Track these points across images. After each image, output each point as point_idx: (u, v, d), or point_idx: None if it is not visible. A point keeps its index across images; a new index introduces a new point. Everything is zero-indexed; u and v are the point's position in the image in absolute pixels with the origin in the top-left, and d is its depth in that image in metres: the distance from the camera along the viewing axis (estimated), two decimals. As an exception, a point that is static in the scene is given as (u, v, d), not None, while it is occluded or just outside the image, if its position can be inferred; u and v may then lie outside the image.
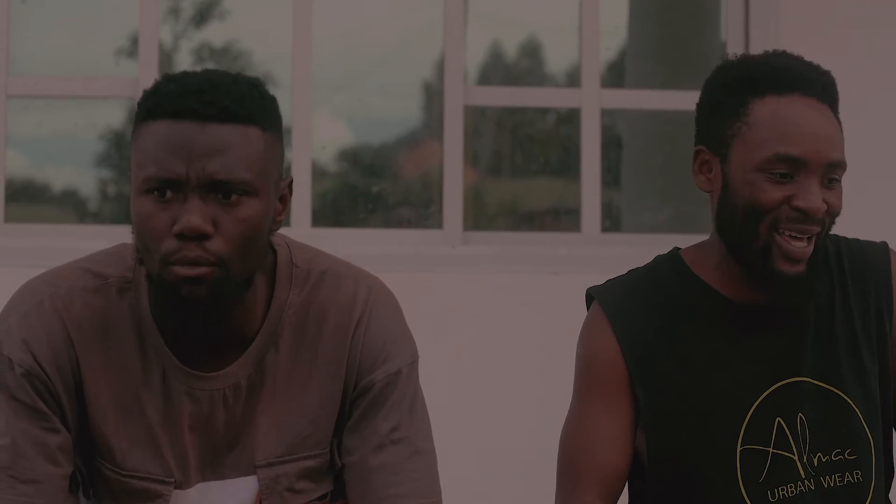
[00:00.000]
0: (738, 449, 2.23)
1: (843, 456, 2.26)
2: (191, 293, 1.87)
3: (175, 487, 2.01)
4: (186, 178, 1.86)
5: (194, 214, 1.85)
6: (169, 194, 1.88)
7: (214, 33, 5.09)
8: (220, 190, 1.87)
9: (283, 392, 2.03)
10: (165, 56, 4.88)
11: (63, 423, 2.00)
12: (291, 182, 2.02)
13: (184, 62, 5.03)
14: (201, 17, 5.06)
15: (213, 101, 1.88)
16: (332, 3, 4.76)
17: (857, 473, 2.26)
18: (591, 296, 2.32)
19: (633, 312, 2.27)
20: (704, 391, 2.23)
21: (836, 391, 2.27)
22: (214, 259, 1.87)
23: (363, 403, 2.05)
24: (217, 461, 2.03)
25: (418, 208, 4.93)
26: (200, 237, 1.86)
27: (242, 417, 2.02)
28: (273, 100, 1.98)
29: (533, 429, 4.36)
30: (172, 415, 2.00)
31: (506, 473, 4.37)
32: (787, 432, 2.24)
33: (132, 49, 4.70)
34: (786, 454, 2.24)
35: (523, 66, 5.46)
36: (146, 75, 4.44)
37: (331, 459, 2.09)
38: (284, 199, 2.00)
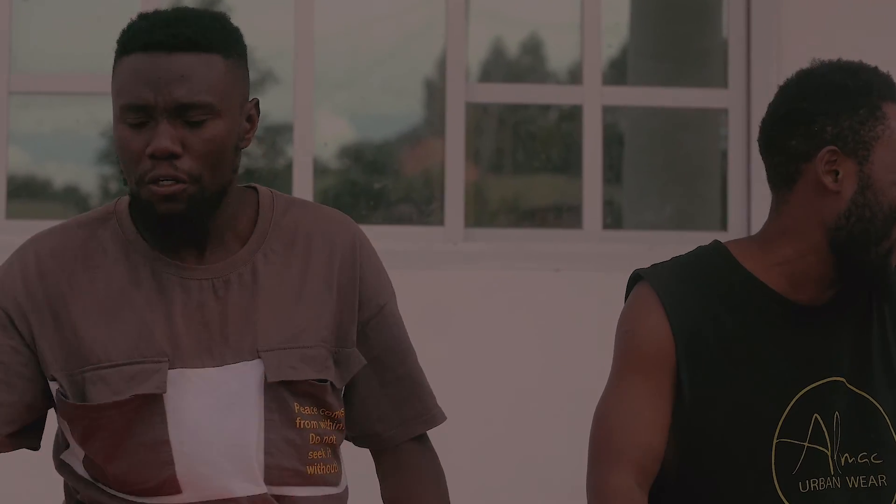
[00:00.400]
0: (775, 441, 2.24)
1: (869, 459, 2.28)
2: (168, 209, 2.08)
3: (169, 367, 2.12)
4: (155, 104, 2.07)
5: (163, 137, 2.07)
6: (142, 119, 2.09)
7: (216, 30, 5.09)
8: (186, 113, 2.08)
9: (277, 293, 2.17)
10: (167, 53, 4.87)
11: (30, 350, 2.14)
12: (258, 103, 2.19)
13: (186, 59, 5.03)
14: (203, 14, 5.06)
15: (178, 33, 2.09)
16: (333, 0, 4.76)
17: (881, 478, 2.28)
18: (638, 277, 2.32)
19: (685, 295, 2.27)
20: (746, 382, 2.24)
21: (868, 396, 2.29)
22: (185, 177, 2.08)
23: (375, 324, 2.24)
24: (214, 349, 2.14)
25: (420, 205, 4.93)
26: (171, 157, 2.07)
27: (237, 313, 2.15)
28: (236, 30, 2.18)
29: (533, 425, 4.37)
30: (164, 302, 2.14)
31: (506, 470, 4.38)
32: (824, 428, 2.26)
33: (134, 46, 4.70)
34: (819, 448, 2.26)
35: (525, 63, 5.46)
36: (148, 72, 4.44)
37: (334, 364, 2.20)
38: (252, 119, 2.18)
